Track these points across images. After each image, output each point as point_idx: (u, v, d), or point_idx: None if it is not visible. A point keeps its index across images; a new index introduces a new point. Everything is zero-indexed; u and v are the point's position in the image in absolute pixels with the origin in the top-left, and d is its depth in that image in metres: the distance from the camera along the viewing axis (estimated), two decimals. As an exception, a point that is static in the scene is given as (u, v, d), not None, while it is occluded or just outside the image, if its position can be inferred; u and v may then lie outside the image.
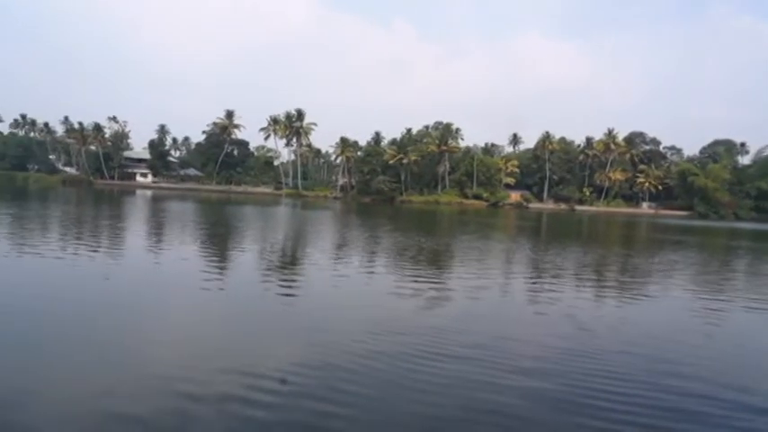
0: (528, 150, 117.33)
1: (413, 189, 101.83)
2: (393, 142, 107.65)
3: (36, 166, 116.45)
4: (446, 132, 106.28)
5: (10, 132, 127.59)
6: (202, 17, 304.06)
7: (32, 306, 10.41)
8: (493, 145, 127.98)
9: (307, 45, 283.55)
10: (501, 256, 24.43)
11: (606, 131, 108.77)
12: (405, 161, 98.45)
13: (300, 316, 11.04)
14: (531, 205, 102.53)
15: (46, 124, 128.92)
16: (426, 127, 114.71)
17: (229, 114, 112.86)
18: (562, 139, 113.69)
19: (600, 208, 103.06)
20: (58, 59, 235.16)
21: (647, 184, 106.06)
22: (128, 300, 11.61)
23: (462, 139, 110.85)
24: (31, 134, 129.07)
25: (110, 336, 8.86)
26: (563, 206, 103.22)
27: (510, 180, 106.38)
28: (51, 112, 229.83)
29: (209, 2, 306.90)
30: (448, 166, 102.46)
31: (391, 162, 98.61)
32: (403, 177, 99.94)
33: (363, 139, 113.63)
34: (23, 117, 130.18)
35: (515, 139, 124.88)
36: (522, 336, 10.31)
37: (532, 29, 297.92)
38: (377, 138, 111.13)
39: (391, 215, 57.01)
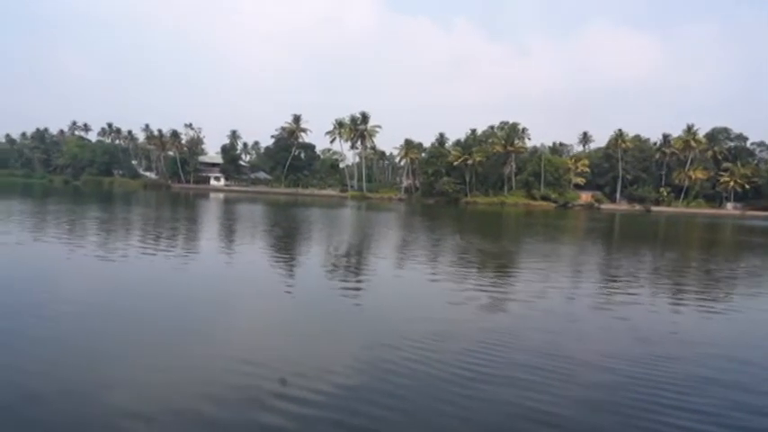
0: (599, 149, 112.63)
1: (478, 190, 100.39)
2: (457, 143, 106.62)
3: (120, 171, 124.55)
4: (512, 132, 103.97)
5: (98, 140, 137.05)
6: (271, 26, 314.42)
7: (115, 304, 11.11)
8: (561, 144, 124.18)
9: (371, 49, 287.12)
10: (567, 260, 23.57)
11: (685, 128, 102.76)
12: (469, 162, 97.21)
13: (358, 321, 11.13)
14: (602, 206, 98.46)
15: (129, 132, 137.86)
16: (491, 127, 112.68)
17: (296, 119, 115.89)
18: (636, 137, 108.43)
19: (678, 209, 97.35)
20: (141, 71, 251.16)
21: (731, 183, 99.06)
22: (196, 300, 12.16)
23: (529, 138, 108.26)
24: (116, 141, 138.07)
25: (177, 336, 9.29)
26: (637, 207, 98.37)
27: (580, 180, 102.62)
28: (134, 120, 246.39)
29: (278, 10, 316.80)
30: (514, 166, 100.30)
31: (456, 163, 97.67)
32: (468, 178, 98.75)
33: (427, 140, 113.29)
34: (110, 125, 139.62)
35: (585, 138, 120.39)
36: (581, 349, 9.83)
37: (603, 21, 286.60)
38: (441, 139, 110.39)
39: (455, 217, 56.49)
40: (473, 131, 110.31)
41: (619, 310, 12.96)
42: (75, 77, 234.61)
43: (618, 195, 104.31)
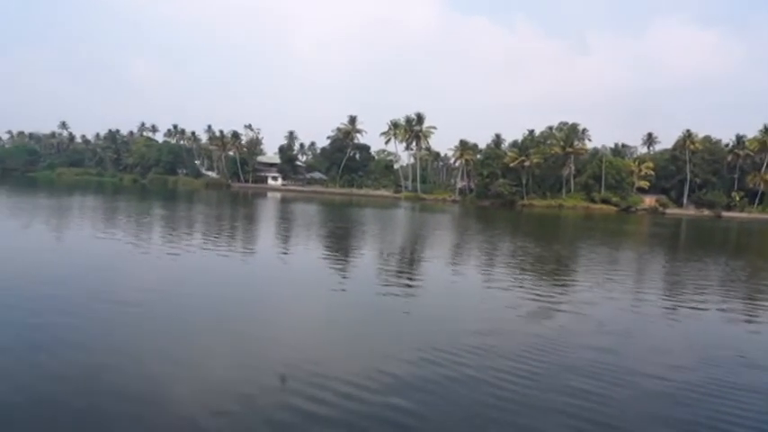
0: (665, 151, 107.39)
1: (534, 193, 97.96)
2: (514, 144, 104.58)
3: (184, 171, 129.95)
4: (571, 133, 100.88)
5: (164, 141, 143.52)
6: (329, 28, 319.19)
7: (180, 300, 11.54)
8: (624, 146, 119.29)
9: (428, 49, 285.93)
10: (626, 266, 22.58)
11: (762, 128, 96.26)
12: (526, 164, 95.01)
13: (405, 324, 11.08)
14: (668, 211, 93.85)
15: (193, 133, 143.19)
16: (550, 128, 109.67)
17: (352, 120, 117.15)
18: (706, 138, 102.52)
19: (753, 215, 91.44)
20: (206, 74, 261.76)
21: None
22: (247, 300, 12.47)
23: (590, 139, 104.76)
24: (181, 142, 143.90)
25: (225, 333, 9.53)
26: (706, 212, 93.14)
27: (644, 183, 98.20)
28: (198, 122, 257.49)
29: (336, 12, 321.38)
30: (573, 168, 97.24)
31: (512, 165, 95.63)
32: (524, 181, 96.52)
33: (483, 141, 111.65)
34: (175, 127, 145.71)
35: (650, 139, 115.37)
36: (634, 364, 9.36)
37: (667, 16, 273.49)
38: (497, 140, 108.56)
39: (511, 220, 55.41)
40: (531, 132, 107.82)
41: (678, 324, 12.27)
42: (145, 81, 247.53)
43: (685, 200, 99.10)
